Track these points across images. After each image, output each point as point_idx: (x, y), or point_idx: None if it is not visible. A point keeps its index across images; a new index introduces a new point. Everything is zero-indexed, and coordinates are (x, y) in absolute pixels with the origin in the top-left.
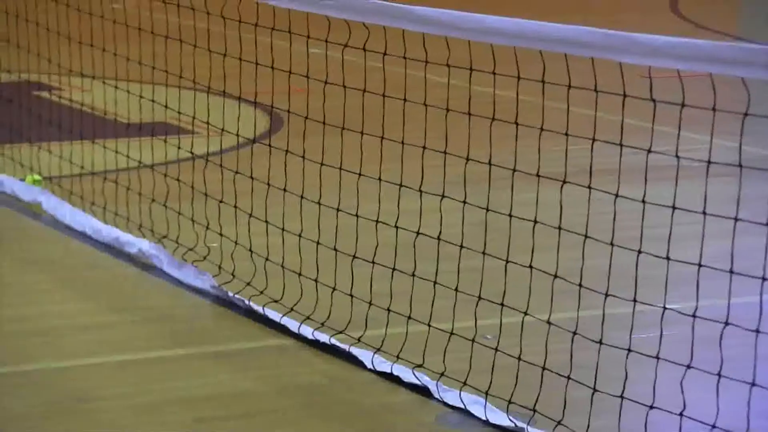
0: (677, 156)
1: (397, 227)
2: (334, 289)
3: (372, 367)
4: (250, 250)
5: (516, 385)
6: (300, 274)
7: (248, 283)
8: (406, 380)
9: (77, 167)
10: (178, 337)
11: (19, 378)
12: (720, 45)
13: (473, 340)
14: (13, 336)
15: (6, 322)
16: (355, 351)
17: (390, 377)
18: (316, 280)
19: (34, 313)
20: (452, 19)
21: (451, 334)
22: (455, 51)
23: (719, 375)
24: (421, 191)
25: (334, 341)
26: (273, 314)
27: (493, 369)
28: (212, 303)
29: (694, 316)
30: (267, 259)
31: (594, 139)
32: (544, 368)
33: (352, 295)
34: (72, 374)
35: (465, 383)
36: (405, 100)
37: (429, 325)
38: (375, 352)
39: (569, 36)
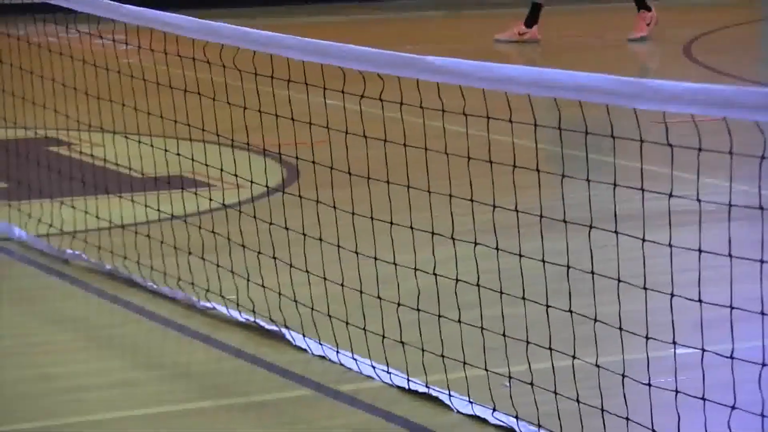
0: (698, 200)
1: (436, 275)
2: (383, 336)
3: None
4: (295, 300)
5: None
6: (348, 323)
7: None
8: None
9: (104, 221)
10: (205, 390)
11: None
12: (734, 89)
13: (531, 383)
14: (40, 395)
15: (33, 381)
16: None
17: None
18: (364, 329)
19: (60, 372)
20: (467, 68)
21: (509, 378)
22: (470, 100)
23: (762, 415)
24: (453, 239)
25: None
26: (348, 360)
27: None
28: (236, 357)
29: (732, 357)
30: (313, 309)
31: (615, 185)
32: (603, 410)
33: (403, 342)
34: (99, 428)
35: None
36: (426, 149)
37: (486, 370)
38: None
39: (583, 83)
